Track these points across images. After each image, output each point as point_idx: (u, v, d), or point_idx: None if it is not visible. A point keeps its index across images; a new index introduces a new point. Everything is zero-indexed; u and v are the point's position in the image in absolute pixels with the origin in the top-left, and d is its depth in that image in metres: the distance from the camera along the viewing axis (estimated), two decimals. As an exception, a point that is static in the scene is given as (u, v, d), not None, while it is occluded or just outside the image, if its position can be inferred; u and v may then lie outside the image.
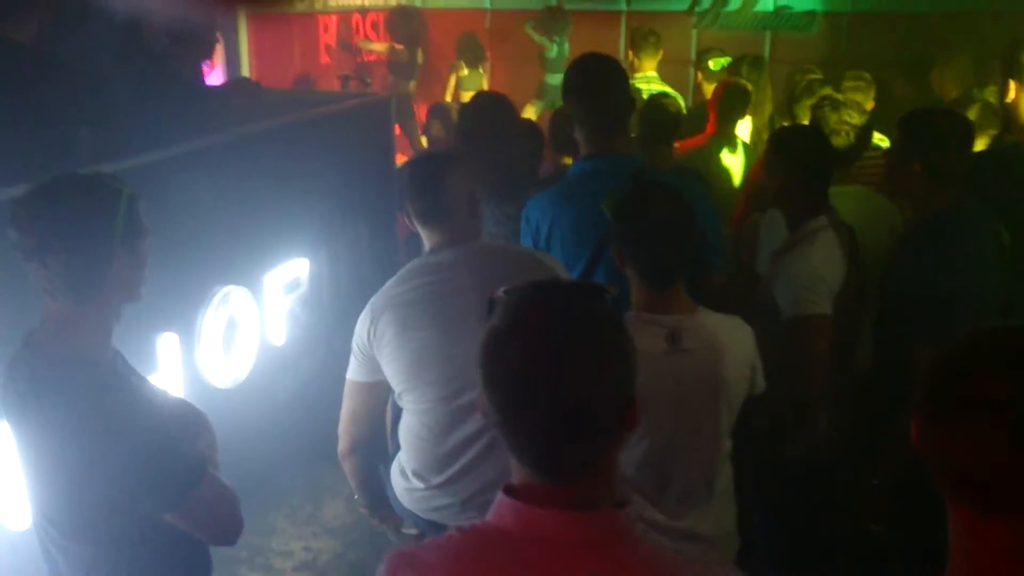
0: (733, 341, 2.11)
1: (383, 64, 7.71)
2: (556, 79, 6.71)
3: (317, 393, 3.57)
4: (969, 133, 2.63)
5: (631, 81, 5.26)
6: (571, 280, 1.18)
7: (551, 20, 7.53)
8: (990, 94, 4.30)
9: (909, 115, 2.74)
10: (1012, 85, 3.10)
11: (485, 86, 7.59)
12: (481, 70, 7.66)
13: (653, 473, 2.05)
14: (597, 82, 2.65)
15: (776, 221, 2.83)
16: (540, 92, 7.56)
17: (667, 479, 2.06)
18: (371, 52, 7.68)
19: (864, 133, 3.19)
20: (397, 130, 7.32)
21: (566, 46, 7.54)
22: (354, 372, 2.35)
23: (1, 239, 1.70)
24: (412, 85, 7.56)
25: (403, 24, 7.53)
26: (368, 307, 2.29)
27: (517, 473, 1.19)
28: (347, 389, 2.38)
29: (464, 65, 7.50)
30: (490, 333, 1.17)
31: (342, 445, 2.45)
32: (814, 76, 4.65)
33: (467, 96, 6.60)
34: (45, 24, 3.04)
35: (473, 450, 2.24)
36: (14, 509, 2.26)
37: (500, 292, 1.21)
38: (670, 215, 2.07)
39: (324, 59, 7.41)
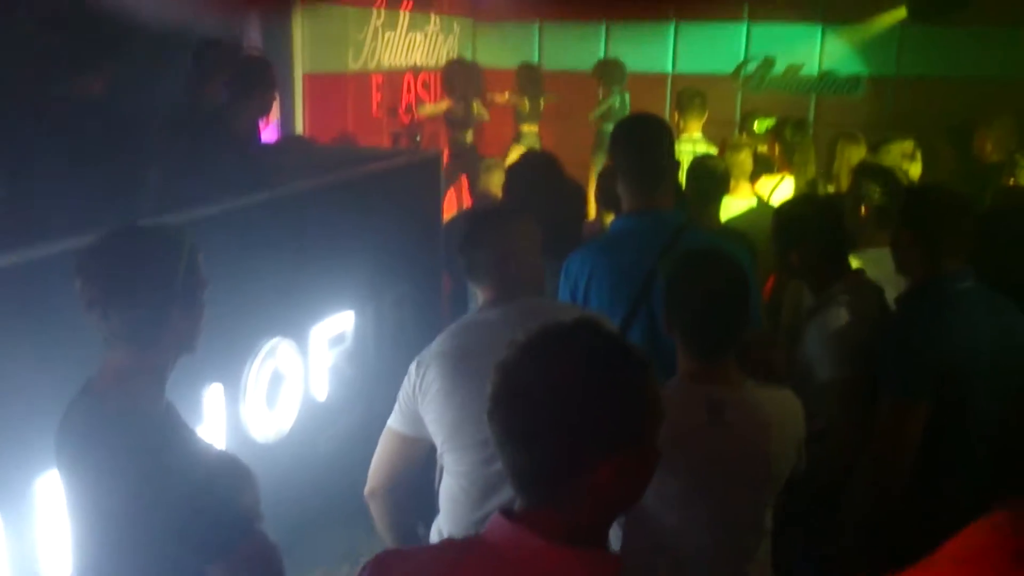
0: (781, 416, 2.03)
1: (438, 119, 7.79)
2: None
3: (356, 451, 3.54)
4: (964, 206, 2.56)
5: (676, 143, 5.34)
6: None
7: (611, 71, 7.63)
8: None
9: (907, 195, 2.79)
10: None
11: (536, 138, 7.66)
12: (540, 106, 7.72)
13: (690, 542, 1.99)
14: (643, 138, 2.69)
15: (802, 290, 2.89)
16: (598, 142, 7.63)
17: (704, 549, 1.99)
18: (426, 115, 7.74)
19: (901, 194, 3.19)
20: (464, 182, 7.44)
21: (627, 96, 7.56)
22: (394, 420, 2.30)
23: (62, 288, 1.74)
24: (469, 135, 7.62)
25: (459, 78, 7.59)
26: (416, 360, 2.27)
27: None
28: (383, 435, 2.32)
29: (524, 100, 7.61)
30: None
31: (368, 486, 2.37)
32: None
33: (519, 151, 6.65)
34: (110, 81, 3.16)
35: None
36: (55, 561, 2.26)
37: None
38: (723, 285, 1.98)
39: (377, 115, 7.55)
